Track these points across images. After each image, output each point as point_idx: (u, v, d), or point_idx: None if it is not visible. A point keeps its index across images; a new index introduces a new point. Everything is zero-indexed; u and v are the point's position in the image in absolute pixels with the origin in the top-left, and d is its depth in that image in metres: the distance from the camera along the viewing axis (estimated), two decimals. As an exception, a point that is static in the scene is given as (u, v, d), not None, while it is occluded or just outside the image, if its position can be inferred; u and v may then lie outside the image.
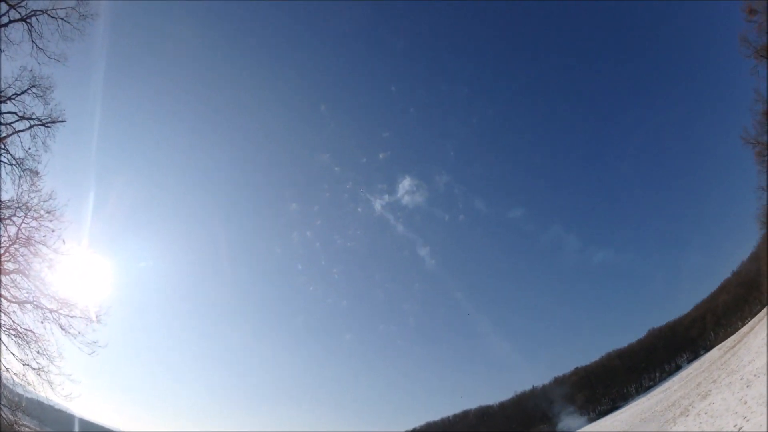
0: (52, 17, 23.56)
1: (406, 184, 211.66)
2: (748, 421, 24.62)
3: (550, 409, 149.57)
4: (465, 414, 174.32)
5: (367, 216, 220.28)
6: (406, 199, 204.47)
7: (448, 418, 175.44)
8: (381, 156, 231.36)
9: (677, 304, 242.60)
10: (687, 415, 43.23)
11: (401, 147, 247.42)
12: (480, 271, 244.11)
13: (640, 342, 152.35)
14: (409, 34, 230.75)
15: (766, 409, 23.63)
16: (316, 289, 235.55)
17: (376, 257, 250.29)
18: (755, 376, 33.24)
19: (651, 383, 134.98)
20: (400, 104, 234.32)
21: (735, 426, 25.55)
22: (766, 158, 41.56)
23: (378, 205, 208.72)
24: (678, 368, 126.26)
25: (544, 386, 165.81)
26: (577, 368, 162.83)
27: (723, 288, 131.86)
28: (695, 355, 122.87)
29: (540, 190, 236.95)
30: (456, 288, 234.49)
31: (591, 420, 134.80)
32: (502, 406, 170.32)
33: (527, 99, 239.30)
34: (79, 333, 23.45)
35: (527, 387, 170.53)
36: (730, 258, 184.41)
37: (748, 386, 32.22)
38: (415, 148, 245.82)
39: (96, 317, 24.02)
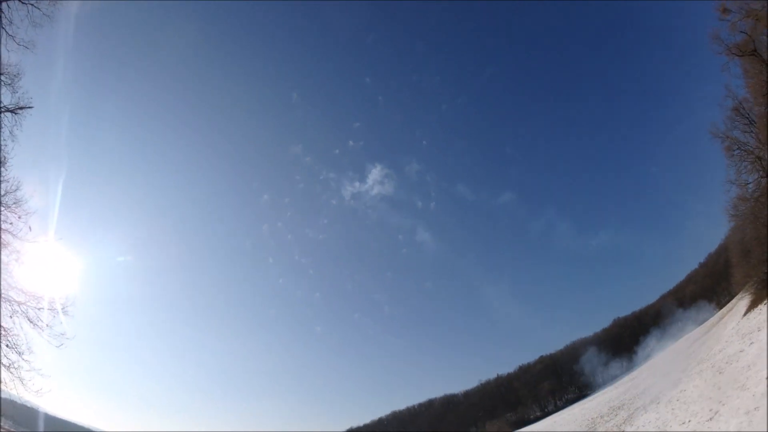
0: (23, 2, 22.69)
1: (377, 173, 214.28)
2: (723, 405, 24.94)
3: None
4: (430, 402, 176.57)
5: (339, 206, 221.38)
6: (378, 188, 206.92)
7: (413, 406, 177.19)
8: (352, 145, 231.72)
9: (643, 294, 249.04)
10: (658, 403, 43.91)
11: (372, 137, 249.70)
12: (448, 257, 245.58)
13: (605, 331, 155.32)
14: (379, 26, 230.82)
15: (742, 393, 23.97)
16: (286, 282, 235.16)
17: (348, 248, 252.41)
18: (727, 363, 33.78)
19: (617, 372, 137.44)
20: (371, 94, 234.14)
21: (711, 410, 25.92)
22: (734, 152, 42.59)
23: (349, 194, 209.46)
24: (645, 358, 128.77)
25: (508, 374, 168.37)
26: (542, 356, 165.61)
27: (690, 279, 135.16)
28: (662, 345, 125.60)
29: (515, 175, 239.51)
30: (426, 277, 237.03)
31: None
32: (467, 394, 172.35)
33: (500, 85, 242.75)
34: (47, 325, 22.98)
35: (491, 375, 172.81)
36: (697, 249, 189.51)
37: (720, 373, 32.73)
38: (387, 137, 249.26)
39: (62, 309, 23.53)
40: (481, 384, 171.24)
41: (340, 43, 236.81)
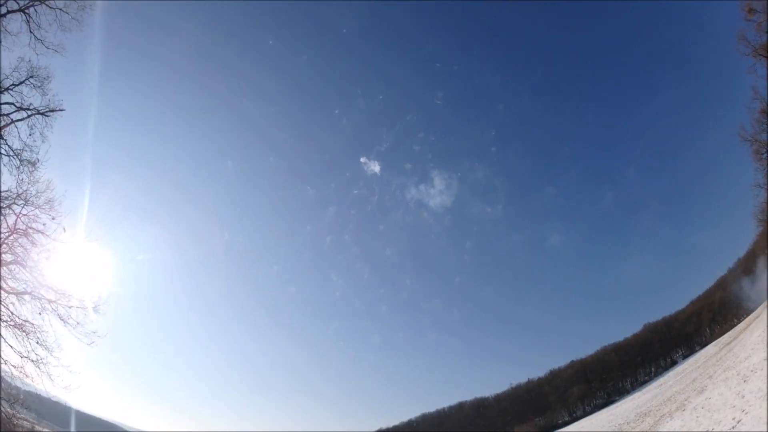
0: (51, 8, 23.40)
1: (442, 181, 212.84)
2: (746, 413, 24.66)
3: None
4: (460, 405, 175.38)
5: (405, 216, 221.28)
6: (442, 197, 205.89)
7: (443, 409, 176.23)
8: (417, 150, 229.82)
9: (673, 300, 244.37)
10: (684, 410, 43.27)
11: (435, 143, 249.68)
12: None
13: (635, 336, 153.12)
14: (438, 33, 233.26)
15: (765, 402, 23.68)
16: (344, 294, 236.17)
17: (414, 256, 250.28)
18: (752, 371, 33.29)
19: (646, 378, 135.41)
20: (432, 99, 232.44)
21: (734, 419, 25.57)
22: (763, 156, 41.71)
23: (416, 202, 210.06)
24: (674, 363, 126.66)
25: (539, 378, 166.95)
26: (572, 361, 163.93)
27: (719, 284, 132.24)
28: (691, 351, 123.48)
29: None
30: (485, 283, 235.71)
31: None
32: (498, 398, 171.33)
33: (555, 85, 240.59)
34: (78, 323, 23.47)
35: (523, 379, 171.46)
36: (727, 255, 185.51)
37: (745, 381, 32.28)
38: (450, 143, 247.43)
39: (94, 307, 24.05)
40: (512, 387, 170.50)
41: (401, 49, 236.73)
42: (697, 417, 35.58)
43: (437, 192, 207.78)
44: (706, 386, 44.79)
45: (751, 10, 33.55)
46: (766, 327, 32.01)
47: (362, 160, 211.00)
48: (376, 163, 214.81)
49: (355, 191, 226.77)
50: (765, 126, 39.81)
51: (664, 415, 51.62)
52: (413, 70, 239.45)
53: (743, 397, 28.56)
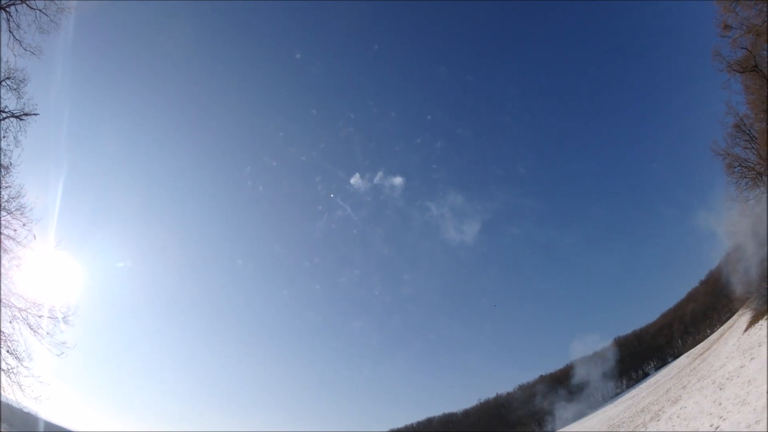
0: (31, 8, 23.02)
1: (463, 204, 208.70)
2: (724, 420, 24.89)
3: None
4: (429, 421, 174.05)
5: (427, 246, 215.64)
6: (463, 222, 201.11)
7: (411, 425, 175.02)
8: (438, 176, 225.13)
9: (643, 313, 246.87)
10: (658, 420, 43.65)
11: (454, 166, 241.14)
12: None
13: (605, 350, 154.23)
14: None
15: (743, 408, 23.95)
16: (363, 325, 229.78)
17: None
18: (728, 379, 33.70)
19: (618, 390, 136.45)
20: (456, 123, 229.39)
21: (711, 426, 25.81)
22: (736, 170, 42.80)
23: (439, 232, 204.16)
24: (645, 376, 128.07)
25: (508, 393, 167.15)
26: (541, 375, 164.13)
27: (690, 297, 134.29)
28: (663, 363, 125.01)
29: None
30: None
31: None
32: (466, 413, 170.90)
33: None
34: (48, 333, 22.92)
35: (491, 395, 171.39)
36: (698, 267, 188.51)
37: (721, 389, 32.64)
38: (468, 166, 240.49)
39: (63, 318, 23.51)
40: (481, 403, 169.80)
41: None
42: (673, 426, 35.87)
43: (457, 220, 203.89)
44: (681, 396, 45.29)
45: (727, 26, 34.51)
46: (766, 347, 32.47)
47: (377, 180, 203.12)
48: (399, 179, 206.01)
49: (380, 230, 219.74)
50: (738, 140, 41.01)
51: (638, 425, 52.00)
52: (425, 90, 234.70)
53: (720, 404, 28.84)
